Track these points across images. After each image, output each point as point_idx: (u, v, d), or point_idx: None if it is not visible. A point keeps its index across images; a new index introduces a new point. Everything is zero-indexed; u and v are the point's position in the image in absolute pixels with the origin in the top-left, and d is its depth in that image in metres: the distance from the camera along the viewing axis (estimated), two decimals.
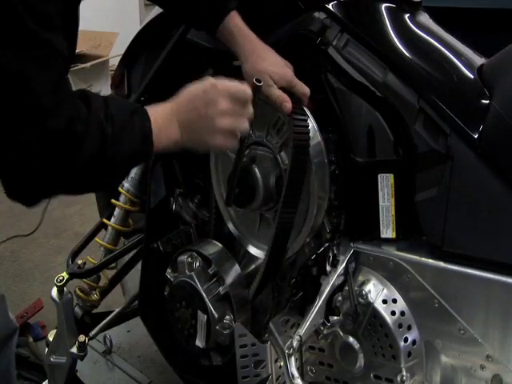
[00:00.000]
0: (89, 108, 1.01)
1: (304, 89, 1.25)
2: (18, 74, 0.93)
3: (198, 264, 1.42)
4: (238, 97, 1.10)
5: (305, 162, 1.23)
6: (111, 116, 1.02)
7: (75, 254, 1.72)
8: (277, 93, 1.22)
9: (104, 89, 4.05)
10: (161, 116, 1.08)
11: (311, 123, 1.25)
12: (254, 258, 1.44)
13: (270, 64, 1.24)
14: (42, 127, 0.96)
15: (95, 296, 1.72)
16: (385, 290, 1.25)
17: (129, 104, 1.11)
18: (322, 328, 1.26)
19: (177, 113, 1.09)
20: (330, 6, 1.30)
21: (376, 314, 1.24)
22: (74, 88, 1.09)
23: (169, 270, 1.47)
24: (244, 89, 1.11)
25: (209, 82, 1.11)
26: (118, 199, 1.63)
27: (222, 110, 1.09)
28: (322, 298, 1.25)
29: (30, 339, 2.30)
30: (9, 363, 1.48)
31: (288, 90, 1.23)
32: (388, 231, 1.24)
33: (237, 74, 1.39)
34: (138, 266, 1.71)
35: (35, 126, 0.95)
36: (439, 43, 1.34)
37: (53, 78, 0.96)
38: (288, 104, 1.21)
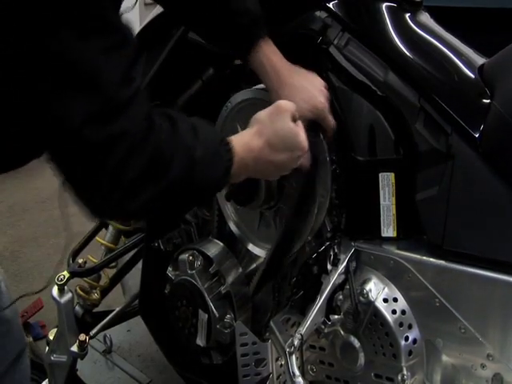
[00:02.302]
0: (174, 126, 0.99)
1: (330, 123, 1.24)
2: (90, 66, 0.88)
3: (199, 263, 1.42)
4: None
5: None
6: (202, 141, 1.01)
7: (76, 253, 1.72)
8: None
9: None
10: (243, 153, 1.08)
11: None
12: (254, 256, 1.44)
13: (301, 99, 1.20)
14: (117, 125, 0.91)
15: (96, 295, 1.72)
16: (386, 289, 1.25)
17: (217, 132, 1.10)
18: (323, 327, 1.26)
19: (257, 157, 1.11)
20: (331, 5, 1.30)
21: (377, 312, 1.24)
22: None
23: (170, 269, 1.47)
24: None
25: (294, 133, 1.12)
26: None
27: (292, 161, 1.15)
28: (323, 297, 1.26)
29: (30, 338, 2.29)
30: (23, 378, 1.48)
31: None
32: (389, 230, 1.24)
33: (237, 74, 1.40)
34: (139, 265, 1.71)
35: (109, 122, 0.90)
36: (440, 43, 1.34)
37: (123, 68, 0.92)
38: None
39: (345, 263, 1.27)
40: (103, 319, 1.77)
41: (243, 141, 1.10)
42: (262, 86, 1.32)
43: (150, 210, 1.04)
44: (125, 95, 0.91)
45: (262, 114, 1.14)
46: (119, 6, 0.93)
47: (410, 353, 1.23)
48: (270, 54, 1.22)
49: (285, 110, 1.13)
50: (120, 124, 0.91)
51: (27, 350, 1.49)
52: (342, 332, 1.28)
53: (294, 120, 1.14)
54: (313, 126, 1.22)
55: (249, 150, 1.09)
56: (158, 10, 1.59)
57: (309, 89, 1.22)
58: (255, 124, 1.13)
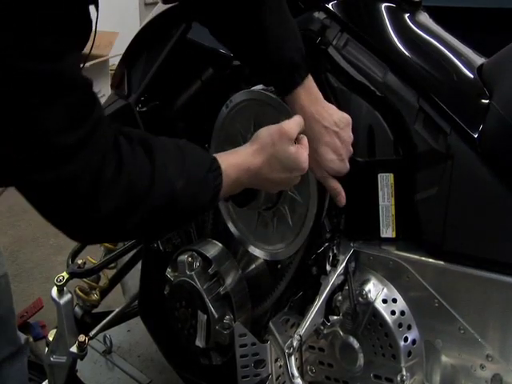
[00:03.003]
0: (151, 157, 0.96)
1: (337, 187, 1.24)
2: (25, 113, 0.85)
3: (198, 264, 1.42)
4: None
5: None
6: (187, 171, 0.99)
7: (75, 254, 1.72)
8: (333, 185, 1.22)
9: (104, 89, 4.05)
10: (237, 173, 1.07)
11: None
12: (254, 257, 1.44)
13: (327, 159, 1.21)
14: (65, 170, 0.88)
15: (95, 296, 1.72)
16: (385, 290, 1.25)
17: (205, 158, 1.05)
18: (322, 327, 1.26)
19: (254, 176, 1.10)
20: (329, 6, 1.30)
21: (376, 313, 1.24)
22: None
23: (169, 270, 1.47)
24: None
25: (290, 151, 1.10)
26: None
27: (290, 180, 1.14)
28: (322, 298, 1.25)
29: (30, 339, 2.29)
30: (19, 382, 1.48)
31: None
32: (388, 231, 1.24)
33: (236, 74, 1.40)
34: (138, 265, 1.71)
35: (57, 167, 0.87)
36: (439, 43, 1.34)
37: (66, 112, 0.87)
38: (343, 198, 1.22)
39: (344, 264, 1.26)
40: (103, 320, 1.77)
41: (239, 160, 1.08)
42: (261, 86, 1.32)
43: (133, 236, 1.03)
44: (71, 139, 0.87)
45: (265, 134, 1.12)
46: (55, 55, 0.86)
47: (410, 353, 1.23)
48: (303, 103, 1.20)
49: (287, 134, 1.11)
50: (68, 169, 0.88)
51: (25, 354, 1.48)
52: (341, 333, 1.28)
53: (297, 139, 1.12)
54: None
55: (245, 170, 1.08)
56: (158, 9, 1.59)
57: (336, 145, 1.20)
58: (256, 142, 1.11)
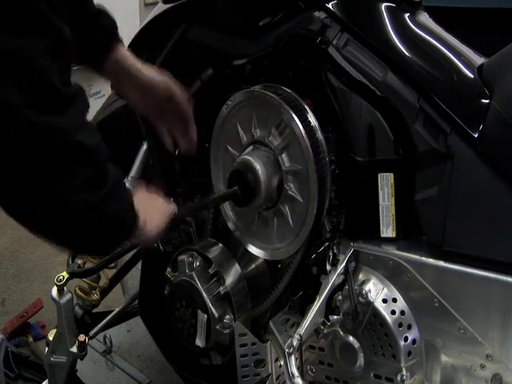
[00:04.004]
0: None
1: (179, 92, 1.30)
2: (30, 60, 0.86)
3: (198, 263, 1.42)
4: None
5: None
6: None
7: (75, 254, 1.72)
8: None
9: (104, 89, 4.04)
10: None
11: (312, 122, 1.25)
12: (254, 257, 1.44)
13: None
14: (59, 119, 0.89)
15: (95, 295, 1.72)
16: (385, 290, 1.25)
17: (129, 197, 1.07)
18: (322, 327, 1.26)
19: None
20: (330, 6, 1.30)
21: (376, 313, 1.24)
22: None
23: (169, 270, 1.47)
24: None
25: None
26: None
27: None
28: (322, 298, 1.26)
29: (30, 339, 2.30)
30: None
31: None
32: (388, 230, 1.24)
33: (236, 74, 1.40)
34: (138, 265, 1.71)
35: (52, 113, 0.88)
36: (439, 43, 1.34)
37: (62, 69, 0.90)
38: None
39: (344, 264, 1.27)
40: (103, 320, 1.77)
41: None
42: (261, 86, 1.32)
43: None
44: (66, 91, 0.90)
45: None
46: (62, 15, 0.90)
47: (410, 353, 1.23)
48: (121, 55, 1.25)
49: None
50: (60, 119, 0.89)
51: (1, 352, 1.48)
52: (341, 332, 1.28)
53: None
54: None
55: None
56: (158, 9, 1.59)
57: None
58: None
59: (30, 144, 0.88)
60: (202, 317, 1.38)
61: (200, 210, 1.24)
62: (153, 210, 1.14)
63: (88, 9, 1.24)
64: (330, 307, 1.27)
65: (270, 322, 1.33)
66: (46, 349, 1.69)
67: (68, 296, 1.62)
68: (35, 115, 0.87)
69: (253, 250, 1.40)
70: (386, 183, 1.23)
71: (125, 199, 1.02)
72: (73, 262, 1.66)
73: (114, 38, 1.26)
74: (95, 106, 1.93)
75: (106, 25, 1.25)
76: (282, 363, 1.26)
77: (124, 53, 1.26)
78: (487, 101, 1.20)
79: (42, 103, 0.88)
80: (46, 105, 0.88)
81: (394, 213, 1.24)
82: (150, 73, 1.27)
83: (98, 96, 2.94)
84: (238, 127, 1.34)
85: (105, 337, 2.16)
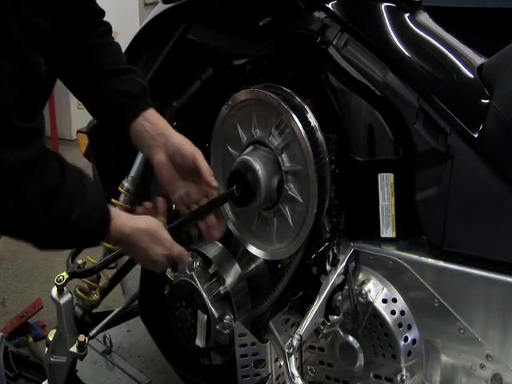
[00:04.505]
0: (64, 178, 1.01)
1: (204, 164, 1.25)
2: None
3: (198, 263, 1.42)
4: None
5: None
6: (85, 207, 1.03)
7: (75, 254, 1.72)
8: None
9: None
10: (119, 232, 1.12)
11: (312, 122, 1.25)
12: (253, 257, 1.44)
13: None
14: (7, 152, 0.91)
15: (95, 296, 1.71)
16: (385, 290, 1.25)
17: (101, 205, 1.10)
18: (322, 327, 1.26)
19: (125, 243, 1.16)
20: (330, 6, 1.30)
21: (376, 313, 1.24)
22: None
23: (169, 270, 1.47)
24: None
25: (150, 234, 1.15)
26: (117, 199, 1.63)
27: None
28: (322, 298, 1.26)
29: (30, 339, 2.30)
30: None
31: None
32: (388, 230, 1.24)
33: (236, 74, 1.40)
34: (138, 265, 1.70)
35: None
36: (439, 43, 1.34)
37: (26, 99, 0.92)
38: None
39: (344, 264, 1.27)
40: (103, 320, 1.77)
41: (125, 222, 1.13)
42: (261, 86, 1.32)
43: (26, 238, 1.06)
44: (22, 126, 0.92)
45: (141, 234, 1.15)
46: (38, 47, 0.92)
47: (410, 353, 1.23)
48: (150, 118, 1.24)
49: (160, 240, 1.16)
50: (9, 153, 0.91)
51: (1, 350, 1.48)
52: (341, 332, 1.28)
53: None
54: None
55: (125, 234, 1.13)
56: (158, 9, 1.59)
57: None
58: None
59: None
60: (202, 317, 1.38)
61: (200, 216, 1.24)
62: (156, 246, 1.16)
63: (118, 64, 1.25)
64: (329, 307, 1.27)
65: (270, 322, 1.33)
66: (46, 349, 1.69)
67: (68, 296, 1.62)
68: None
69: (253, 250, 1.39)
70: (385, 183, 1.23)
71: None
72: (73, 262, 1.66)
73: (144, 101, 1.25)
74: None
75: (135, 87, 1.24)
76: (281, 363, 1.26)
77: (154, 114, 1.25)
78: (487, 101, 1.20)
79: None
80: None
81: (393, 213, 1.24)
82: (180, 138, 1.24)
83: None
84: (238, 127, 1.34)
85: (105, 337, 2.16)
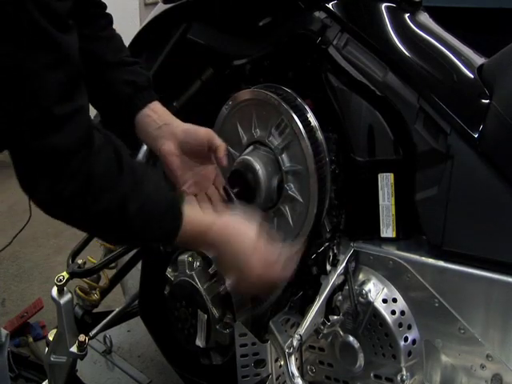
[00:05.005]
0: (120, 169, 0.97)
1: (218, 142, 1.21)
2: (22, 72, 0.87)
3: (198, 263, 1.42)
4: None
5: None
6: (143, 201, 0.99)
7: (75, 254, 1.72)
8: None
9: None
10: (193, 230, 1.05)
11: (312, 122, 1.25)
12: None
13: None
14: (47, 140, 0.89)
15: (95, 296, 1.72)
16: (385, 290, 1.25)
17: (167, 193, 1.04)
18: (322, 327, 1.26)
19: (209, 243, 1.09)
20: (330, 6, 1.30)
21: (376, 313, 1.24)
22: None
23: (169, 270, 1.47)
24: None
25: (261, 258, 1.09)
26: None
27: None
28: (322, 298, 1.25)
29: (30, 339, 2.30)
30: (0, 376, 1.48)
31: None
32: (388, 230, 1.24)
33: (236, 74, 1.40)
34: (138, 265, 1.71)
35: (41, 136, 0.89)
36: (439, 43, 1.34)
37: (60, 84, 0.90)
38: None
39: (344, 264, 1.27)
40: (103, 320, 1.77)
41: (202, 218, 1.08)
42: (261, 86, 1.32)
43: (79, 225, 1.03)
44: (60, 112, 0.90)
45: (251, 234, 1.09)
46: (65, 26, 0.90)
47: (410, 353, 1.23)
48: (156, 109, 1.23)
49: (266, 260, 1.10)
50: (50, 140, 0.90)
51: (6, 349, 1.48)
52: (341, 332, 1.28)
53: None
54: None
55: (204, 231, 1.07)
56: (158, 9, 1.59)
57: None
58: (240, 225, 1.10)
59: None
60: (202, 317, 1.38)
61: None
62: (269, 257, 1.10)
63: (123, 55, 1.24)
64: (330, 307, 1.27)
65: (270, 322, 1.33)
66: (46, 349, 1.69)
67: (68, 296, 1.62)
68: (27, 136, 0.89)
69: None
70: (386, 183, 1.23)
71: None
72: (73, 262, 1.66)
73: (150, 92, 1.24)
74: None
75: (141, 78, 1.23)
76: (282, 363, 1.26)
77: (159, 106, 1.23)
78: (487, 101, 1.20)
79: (34, 125, 0.89)
80: (37, 127, 0.89)
81: (394, 213, 1.24)
82: (189, 125, 1.22)
83: None
84: (238, 127, 1.34)
85: (105, 337, 2.16)
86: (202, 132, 1.19)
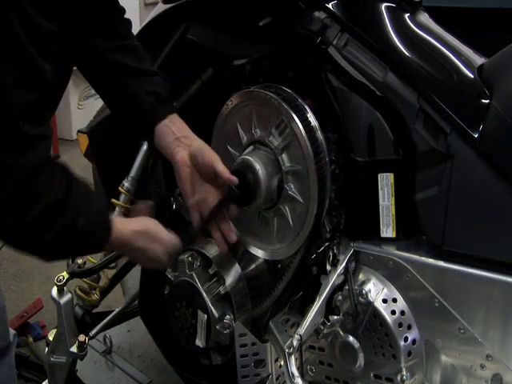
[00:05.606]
0: (69, 189, 1.02)
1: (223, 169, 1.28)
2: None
3: (198, 263, 1.42)
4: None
5: None
6: (89, 214, 1.07)
7: None
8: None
9: None
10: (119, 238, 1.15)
11: (312, 122, 1.25)
12: (254, 257, 1.44)
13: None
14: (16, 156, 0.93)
15: (95, 296, 1.71)
16: (385, 290, 1.25)
17: (103, 214, 1.13)
18: (322, 327, 1.26)
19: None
20: (330, 6, 1.30)
21: (376, 313, 1.24)
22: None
23: (169, 270, 1.47)
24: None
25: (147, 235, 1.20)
26: (118, 199, 1.63)
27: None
28: (322, 298, 1.25)
29: (30, 339, 2.30)
30: (8, 376, 1.48)
31: None
32: (388, 230, 1.24)
33: (236, 74, 1.40)
34: (138, 265, 1.71)
35: (9, 152, 0.92)
36: (439, 43, 1.34)
37: (31, 104, 0.93)
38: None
39: (344, 264, 1.27)
40: (103, 320, 1.77)
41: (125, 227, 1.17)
42: (261, 86, 1.32)
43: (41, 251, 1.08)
44: (29, 132, 0.93)
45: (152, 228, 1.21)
46: (45, 52, 0.93)
47: (410, 353, 1.23)
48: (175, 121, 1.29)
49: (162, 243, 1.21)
50: (16, 158, 0.93)
51: (13, 348, 1.49)
52: (341, 332, 1.28)
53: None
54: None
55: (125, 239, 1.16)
56: (158, 9, 1.59)
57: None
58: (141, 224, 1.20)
59: None
60: (202, 317, 1.38)
61: (211, 221, 1.27)
62: (155, 245, 1.20)
63: (146, 65, 1.30)
64: (330, 307, 1.27)
65: (270, 322, 1.33)
66: (46, 349, 1.69)
67: (68, 296, 1.62)
68: None
69: (253, 250, 1.39)
70: (386, 183, 1.23)
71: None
72: (73, 262, 1.66)
73: (171, 104, 1.30)
74: (95, 107, 1.93)
75: (163, 89, 1.29)
76: (282, 363, 1.26)
77: (178, 118, 1.29)
78: (487, 101, 1.20)
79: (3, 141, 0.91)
80: (5, 143, 0.91)
81: (393, 213, 1.24)
82: (202, 142, 1.28)
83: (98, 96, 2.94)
84: (238, 127, 1.34)
85: (105, 337, 2.16)
86: (208, 154, 1.25)
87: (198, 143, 1.27)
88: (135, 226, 1.18)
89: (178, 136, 1.27)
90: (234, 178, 1.24)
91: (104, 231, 1.10)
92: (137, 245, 1.18)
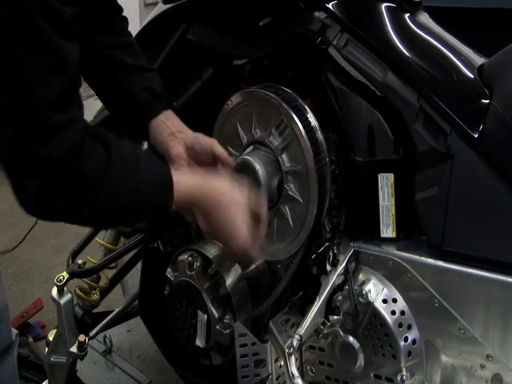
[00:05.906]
0: (108, 160, 0.99)
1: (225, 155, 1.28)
2: (19, 76, 0.88)
3: (198, 264, 1.41)
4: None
5: None
6: (135, 184, 1.02)
7: (75, 254, 1.72)
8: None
9: None
10: (184, 193, 1.10)
11: (312, 122, 1.25)
12: None
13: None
14: (42, 149, 0.91)
15: (95, 296, 1.72)
16: (385, 290, 1.25)
17: (157, 169, 1.07)
18: (322, 327, 1.26)
19: (197, 203, 1.14)
20: (330, 6, 1.30)
21: (376, 313, 1.24)
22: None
23: (169, 270, 1.47)
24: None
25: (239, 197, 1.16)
26: None
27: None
28: (322, 298, 1.25)
29: (30, 339, 2.30)
30: (11, 375, 1.49)
31: None
32: (388, 231, 1.24)
33: (236, 74, 1.40)
34: (138, 265, 1.71)
35: (35, 144, 0.91)
36: (439, 43, 1.34)
37: (58, 92, 0.91)
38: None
39: (344, 264, 1.27)
40: (103, 320, 1.77)
41: (190, 180, 1.13)
42: (261, 86, 1.32)
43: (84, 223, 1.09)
44: (56, 120, 0.91)
45: (227, 187, 1.15)
46: (67, 33, 0.91)
47: (410, 353, 1.23)
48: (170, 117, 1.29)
49: (242, 202, 1.16)
50: (45, 148, 0.91)
51: (16, 348, 1.49)
52: (341, 332, 1.28)
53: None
54: None
55: (193, 193, 1.12)
56: (158, 10, 1.59)
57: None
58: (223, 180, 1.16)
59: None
60: (202, 317, 1.38)
61: None
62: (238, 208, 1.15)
63: (142, 61, 1.30)
64: (330, 307, 1.27)
65: (270, 322, 1.33)
66: (46, 349, 1.69)
67: (68, 296, 1.63)
68: (19, 141, 0.91)
69: None
70: (386, 183, 1.23)
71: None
72: (73, 262, 1.66)
73: (166, 100, 1.30)
74: (95, 107, 1.93)
75: (159, 86, 1.30)
76: (282, 363, 1.26)
77: (173, 114, 1.30)
78: (487, 101, 1.20)
79: (26, 130, 0.90)
80: (29, 133, 0.90)
81: (393, 213, 1.24)
82: (198, 134, 1.29)
83: None
84: (238, 127, 1.34)
85: (105, 337, 2.16)
86: (205, 140, 1.27)
87: (192, 134, 1.28)
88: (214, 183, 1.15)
89: (172, 131, 1.28)
90: (233, 159, 1.25)
91: (164, 189, 1.06)
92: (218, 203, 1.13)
